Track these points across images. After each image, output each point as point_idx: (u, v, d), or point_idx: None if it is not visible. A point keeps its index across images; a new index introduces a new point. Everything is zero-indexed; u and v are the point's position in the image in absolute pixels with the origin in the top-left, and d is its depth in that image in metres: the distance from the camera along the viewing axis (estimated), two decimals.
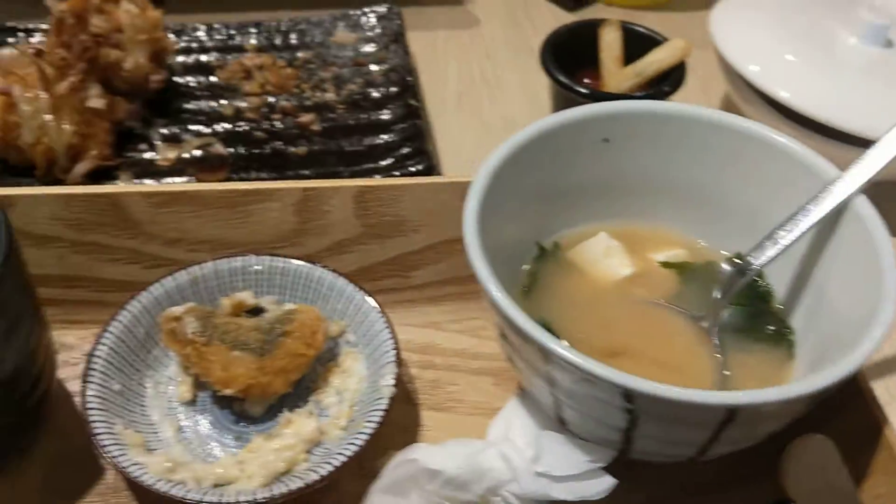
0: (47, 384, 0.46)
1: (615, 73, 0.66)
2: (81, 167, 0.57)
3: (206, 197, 0.51)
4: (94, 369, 0.46)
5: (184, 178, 0.59)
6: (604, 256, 0.49)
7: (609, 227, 0.50)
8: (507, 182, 0.45)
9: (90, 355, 0.46)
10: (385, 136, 0.63)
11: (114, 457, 0.42)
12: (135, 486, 0.44)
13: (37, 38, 0.68)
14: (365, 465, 0.45)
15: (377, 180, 0.52)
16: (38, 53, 0.58)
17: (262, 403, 0.48)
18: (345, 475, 0.43)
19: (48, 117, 0.56)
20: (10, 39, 0.68)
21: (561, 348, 0.37)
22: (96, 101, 0.57)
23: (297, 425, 0.46)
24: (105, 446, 0.42)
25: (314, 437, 0.46)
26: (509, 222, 0.46)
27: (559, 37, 0.67)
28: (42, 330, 0.44)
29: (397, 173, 0.59)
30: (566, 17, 0.82)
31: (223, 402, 0.48)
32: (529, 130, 0.47)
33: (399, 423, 0.48)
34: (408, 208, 0.52)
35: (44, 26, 0.68)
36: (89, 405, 0.44)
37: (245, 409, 0.48)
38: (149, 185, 0.51)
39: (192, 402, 0.48)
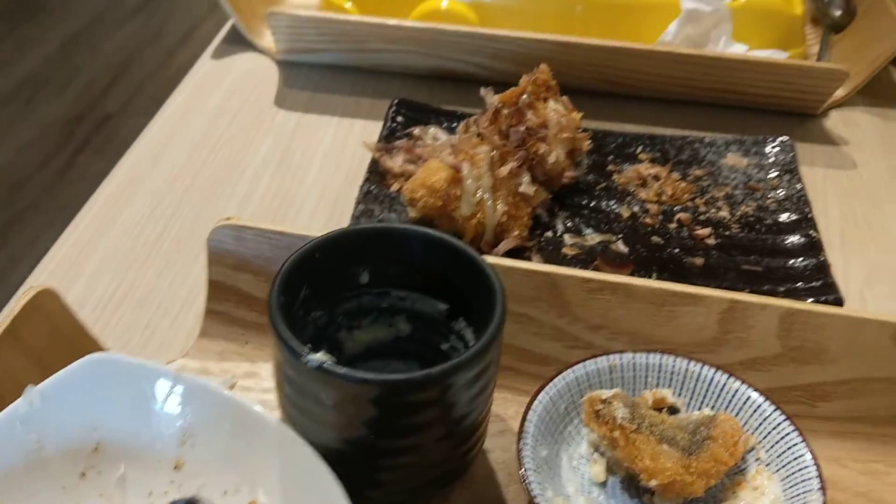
0: (483, 438, 0.49)
1: None
2: (504, 245, 0.61)
3: (637, 291, 0.54)
4: (527, 432, 0.48)
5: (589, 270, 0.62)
6: None
7: None
8: None
9: (524, 419, 0.49)
10: (785, 262, 0.63)
11: None
12: None
13: (452, 125, 0.75)
14: None
15: (806, 304, 0.53)
16: (480, 136, 0.64)
17: (673, 501, 0.48)
18: None
19: (487, 196, 0.61)
20: (432, 120, 0.76)
21: None
22: (527, 187, 0.62)
23: None
24: None
25: None
26: None
27: None
28: (494, 387, 0.48)
29: (808, 301, 0.59)
30: None
31: (632, 490, 0.49)
32: None
33: None
34: (831, 338, 0.52)
35: (463, 111, 0.76)
36: (525, 466, 0.46)
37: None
38: (584, 271, 0.54)
39: (602, 484, 0.50)
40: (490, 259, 0.54)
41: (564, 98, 0.69)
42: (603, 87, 0.82)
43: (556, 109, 0.67)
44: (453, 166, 0.61)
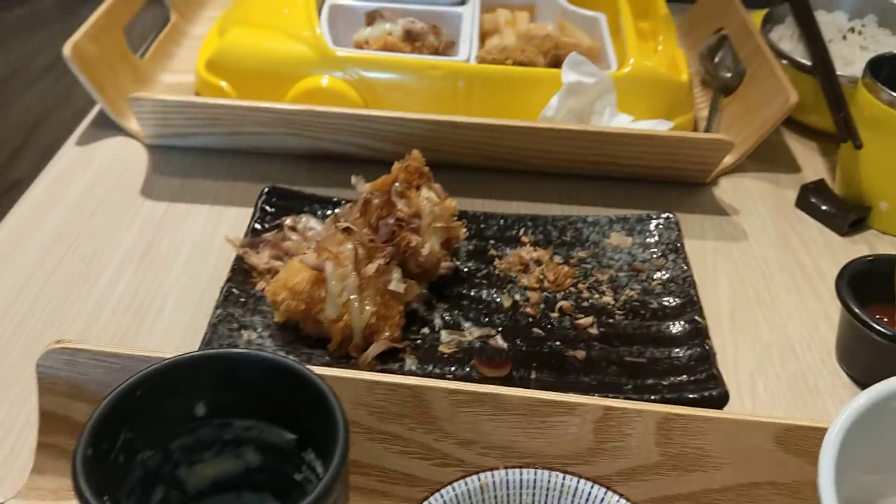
0: None
1: None
2: (374, 349, 0.57)
3: (507, 401, 0.50)
4: None
5: (466, 370, 0.58)
6: None
7: None
8: (850, 444, 0.42)
9: None
10: (669, 352, 0.61)
11: None
12: None
13: (327, 212, 0.71)
14: None
15: (683, 409, 0.50)
16: (347, 231, 0.60)
17: None
18: None
19: (353, 297, 0.57)
20: (306, 207, 0.71)
21: None
22: (398, 284, 0.59)
23: None
24: None
25: None
26: (841, 485, 0.42)
27: (856, 268, 0.64)
28: None
29: (692, 396, 0.56)
30: (836, 241, 0.79)
31: None
32: (876, 391, 0.43)
33: None
34: (712, 443, 0.49)
35: (337, 198, 0.72)
36: None
37: None
38: (451, 382, 0.51)
39: None
40: (349, 373, 0.50)
41: (437, 186, 0.66)
42: (486, 164, 0.80)
43: (428, 198, 0.64)
44: (315, 267, 0.57)
